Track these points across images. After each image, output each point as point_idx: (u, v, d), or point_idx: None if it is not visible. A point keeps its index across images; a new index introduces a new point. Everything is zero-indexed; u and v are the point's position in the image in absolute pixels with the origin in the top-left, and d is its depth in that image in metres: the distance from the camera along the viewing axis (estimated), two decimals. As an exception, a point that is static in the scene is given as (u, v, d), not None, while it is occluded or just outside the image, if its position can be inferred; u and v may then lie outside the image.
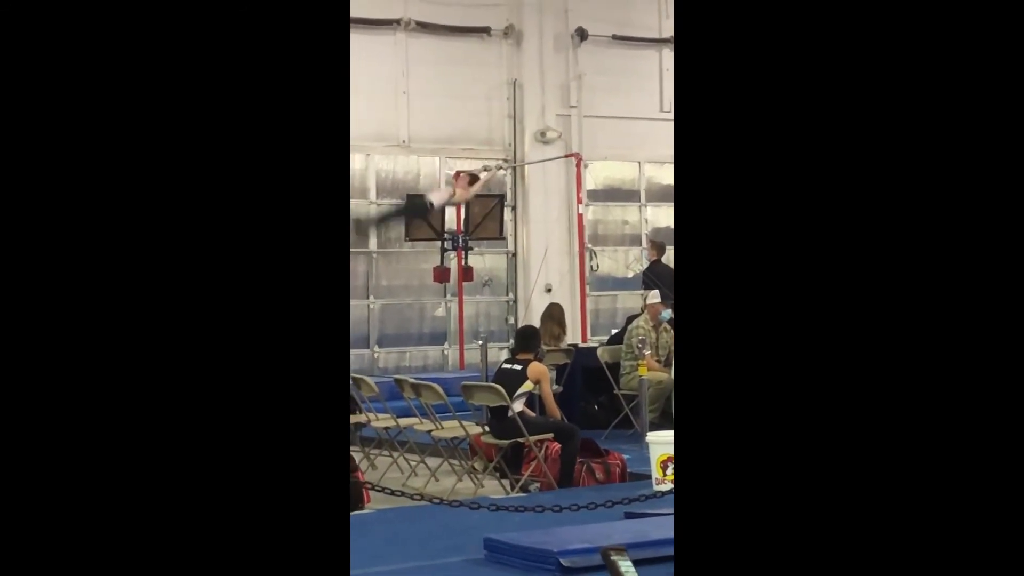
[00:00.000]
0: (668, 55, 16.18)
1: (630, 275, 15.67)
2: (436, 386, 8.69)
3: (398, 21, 14.58)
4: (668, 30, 16.14)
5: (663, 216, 16.48)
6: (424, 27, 14.58)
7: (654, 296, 10.18)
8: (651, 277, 12.29)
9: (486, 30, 15.05)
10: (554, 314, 10.91)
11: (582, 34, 15.57)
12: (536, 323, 10.41)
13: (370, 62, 14.10)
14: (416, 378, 9.59)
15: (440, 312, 15.09)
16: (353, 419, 9.63)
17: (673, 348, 9.87)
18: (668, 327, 10.09)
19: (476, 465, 8.61)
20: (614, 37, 15.82)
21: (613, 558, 2.62)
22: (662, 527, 5.17)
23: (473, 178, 11.59)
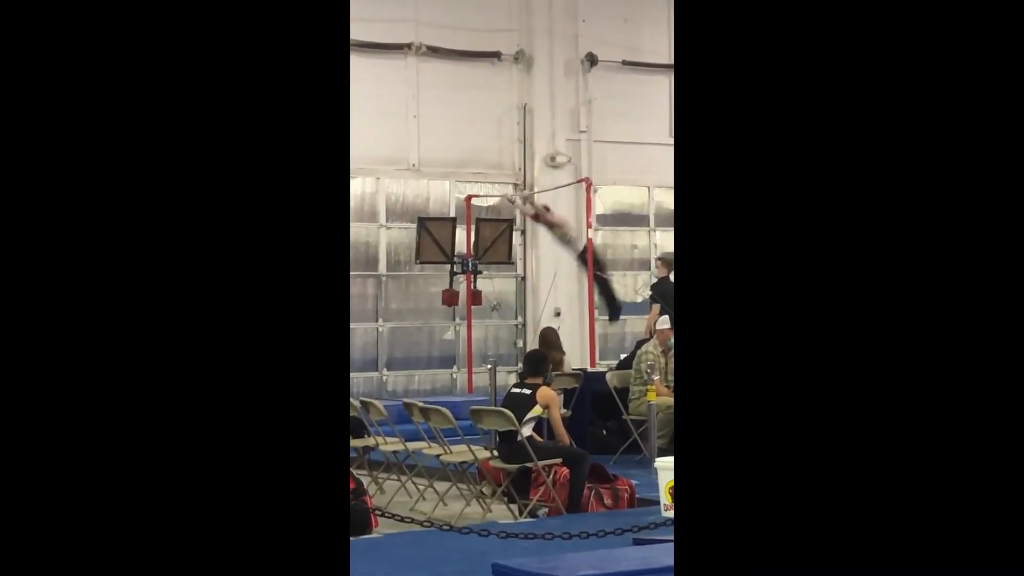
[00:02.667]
0: (678, 80, 16.19)
1: (639, 299, 15.68)
2: (445, 410, 8.69)
3: (409, 45, 14.64)
4: (678, 55, 16.15)
5: (672, 241, 16.48)
6: (435, 52, 14.64)
7: (663, 322, 10.18)
8: (657, 293, 12.32)
9: (496, 55, 15.11)
10: (550, 339, 10.91)
11: (592, 59, 15.63)
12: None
13: (381, 86, 14.15)
14: (425, 402, 9.59)
15: (449, 335, 15.10)
16: (361, 442, 9.64)
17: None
18: (678, 352, 10.07)
19: (484, 490, 8.61)
20: (624, 62, 15.87)
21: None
22: (671, 554, 5.16)
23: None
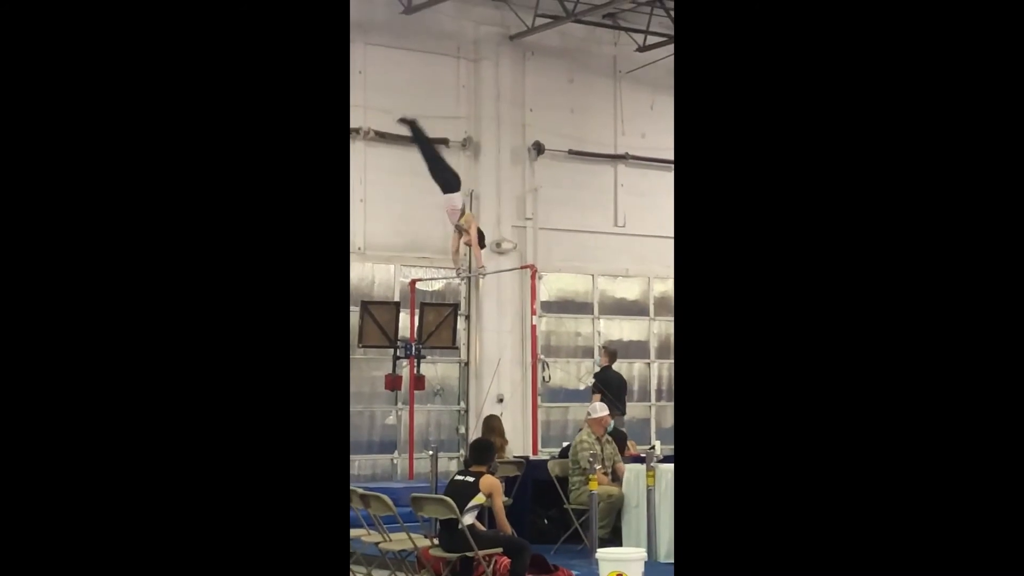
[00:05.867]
0: (623, 170, 16.43)
1: (582, 387, 15.69)
2: (385, 497, 8.59)
3: (357, 130, 14.72)
4: (623, 146, 16.42)
5: (615, 329, 16.57)
6: (383, 137, 14.73)
7: (597, 409, 10.17)
8: (600, 382, 12.36)
9: (444, 141, 15.22)
10: (494, 427, 10.91)
11: (539, 148, 15.80)
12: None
13: (328, 170, 14.19)
14: (365, 488, 9.47)
15: (391, 420, 15.00)
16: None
17: (617, 459, 9.90)
18: (610, 439, 10.08)
19: (423, 578, 8.49)
20: (570, 152, 16.07)
21: None
22: (611, 648, 5.11)
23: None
